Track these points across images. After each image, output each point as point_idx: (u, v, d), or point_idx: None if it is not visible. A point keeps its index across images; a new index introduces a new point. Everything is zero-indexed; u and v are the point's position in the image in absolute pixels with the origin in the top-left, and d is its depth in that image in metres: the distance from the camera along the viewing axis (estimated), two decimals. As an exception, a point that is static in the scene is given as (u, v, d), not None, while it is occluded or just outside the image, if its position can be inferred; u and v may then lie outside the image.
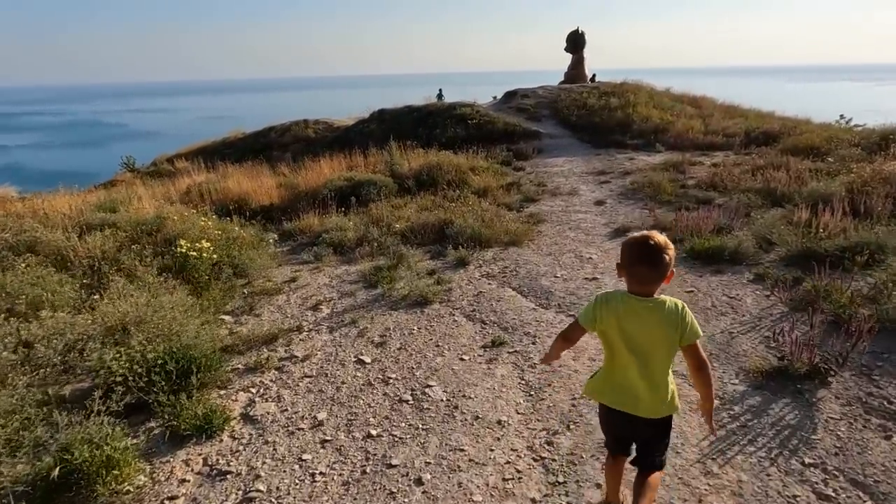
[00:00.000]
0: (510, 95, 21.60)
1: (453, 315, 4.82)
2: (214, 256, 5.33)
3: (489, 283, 5.58)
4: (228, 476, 2.85)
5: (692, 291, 5.04)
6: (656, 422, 1.94)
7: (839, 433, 2.96)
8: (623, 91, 20.40)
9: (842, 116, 17.85)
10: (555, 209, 9.58)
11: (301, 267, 6.41)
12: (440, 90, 22.29)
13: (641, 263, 1.86)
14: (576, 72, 23.57)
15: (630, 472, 2.19)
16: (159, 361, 3.30)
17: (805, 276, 4.84)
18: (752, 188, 8.50)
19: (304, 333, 4.54)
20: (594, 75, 25.00)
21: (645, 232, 1.92)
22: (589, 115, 18.38)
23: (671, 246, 1.90)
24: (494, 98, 23.44)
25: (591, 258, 6.26)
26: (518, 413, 3.28)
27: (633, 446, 2.12)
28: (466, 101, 20.38)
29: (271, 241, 7.20)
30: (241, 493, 2.72)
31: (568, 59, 24.31)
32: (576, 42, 23.47)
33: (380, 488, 2.70)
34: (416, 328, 4.58)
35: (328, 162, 15.27)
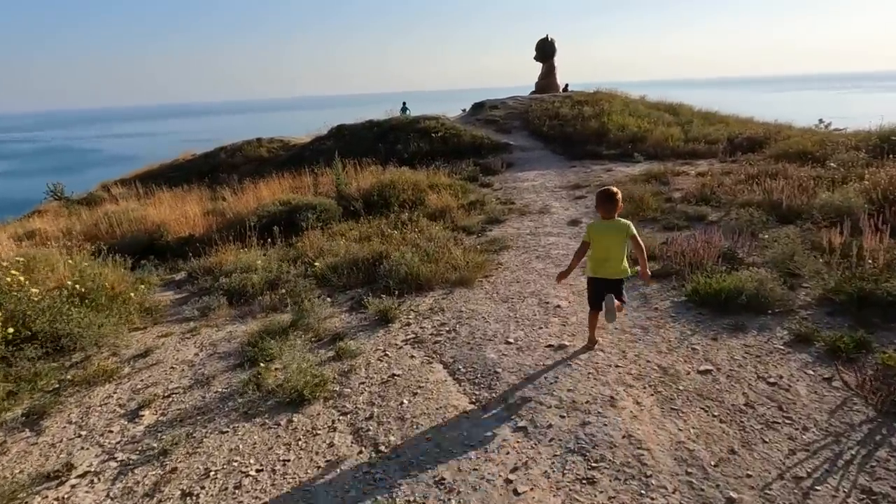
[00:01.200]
0: (478, 107, 20.36)
1: (334, 430, 3.13)
2: (10, 331, 3.66)
3: (412, 356, 3.97)
4: None
5: (708, 372, 3.43)
6: (618, 280, 3.66)
7: None
8: (597, 100, 19.32)
9: (820, 121, 17.02)
10: (522, 231, 8.11)
11: (176, 327, 4.78)
12: (404, 103, 20.94)
13: (603, 204, 3.64)
14: (547, 81, 22.51)
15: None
16: None
17: (868, 335, 3.37)
18: (752, 201, 7.15)
19: (64, 489, 2.81)
20: (566, 85, 24.00)
21: (605, 186, 3.72)
22: (562, 125, 17.17)
23: (619, 193, 3.60)
24: (464, 111, 22.20)
25: (559, 306, 4.72)
26: None
27: (604, 302, 3.56)
28: (432, 114, 19.05)
29: (151, 287, 5.53)
30: None
31: (538, 68, 23.31)
32: (545, 50, 22.46)
33: None
34: (255, 468, 2.82)
35: (273, 183, 13.68)
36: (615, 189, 3.58)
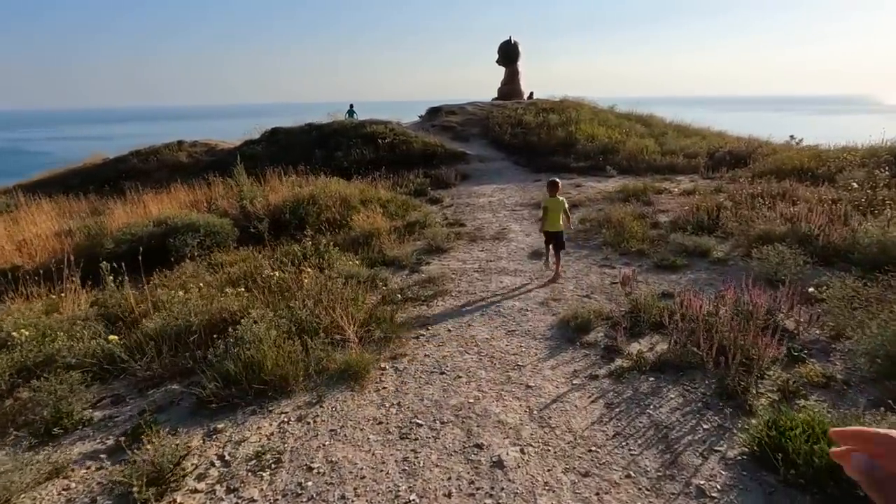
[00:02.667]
0: (434, 112, 18.32)
1: None
2: None
3: None
4: None
5: None
6: (559, 233, 5.43)
7: None
8: (564, 107, 17.64)
9: (792, 137, 15.93)
10: (468, 267, 6.03)
11: None
12: (351, 106, 18.68)
13: (551, 188, 5.66)
14: (510, 87, 20.75)
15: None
16: None
17: None
18: (773, 232, 5.28)
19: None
20: (531, 93, 22.37)
21: (552, 177, 6.13)
22: (525, 133, 15.34)
23: (560, 182, 5.90)
24: (420, 117, 20.16)
25: (500, 462, 2.48)
26: None
27: (551, 246, 5.54)
28: (381, 118, 16.89)
29: None
30: None
31: (501, 72, 21.55)
32: (508, 53, 20.75)
33: None
34: None
35: (179, 193, 11.21)
36: (557, 179, 5.99)
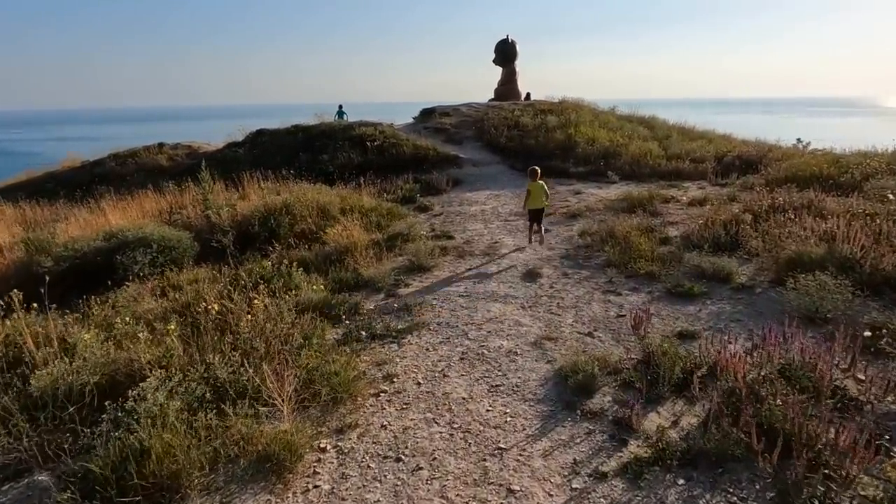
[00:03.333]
0: (427, 114, 17.51)
1: None
2: None
3: None
4: None
5: None
6: (541, 209, 6.76)
7: None
8: (563, 109, 16.86)
9: (799, 140, 15.17)
10: (452, 291, 5.25)
11: None
12: (340, 106, 17.82)
13: (531, 176, 6.79)
14: (507, 87, 19.95)
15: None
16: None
17: None
18: (807, 254, 4.50)
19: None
20: (528, 94, 21.61)
21: (533, 166, 7.07)
22: (522, 136, 14.56)
23: (539, 170, 6.91)
24: (414, 119, 19.36)
25: None
26: None
27: (534, 224, 6.80)
28: (372, 120, 16.09)
29: None
30: None
31: (498, 73, 20.76)
32: (505, 52, 19.96)
33: None
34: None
35: (147, 200, 10.42)
36: (537, 168, 6.95)
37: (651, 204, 8.26)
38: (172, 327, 3.54)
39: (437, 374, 3.39)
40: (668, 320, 4.08)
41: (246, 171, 11.63)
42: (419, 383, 3.27)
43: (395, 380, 3.31)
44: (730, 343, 2.99)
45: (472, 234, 7.70)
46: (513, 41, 20.39)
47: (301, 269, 5.45)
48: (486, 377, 3.32)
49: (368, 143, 13.76)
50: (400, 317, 4.55)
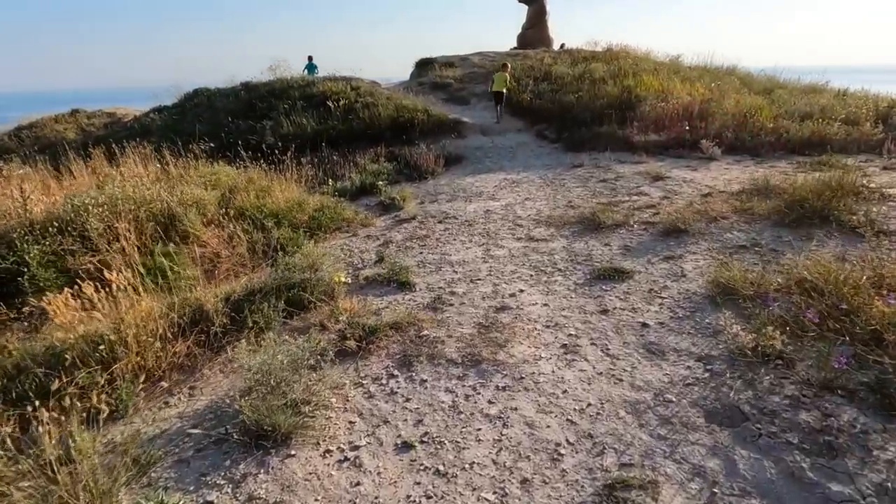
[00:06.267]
0: (423, 66, 13.01)
1: None
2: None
3: None
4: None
5: None
6: (502, 93, 9.69)
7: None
8: (611, 57, 12.18)
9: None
10: None
11: None
12: (310, 58, 13.23)
13: (500, 70, 9.93)
14: (535, 31, 15.14)
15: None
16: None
17: None
18: None
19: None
20: (563, 44, 16.89)
21: (504, 61, 11.22)
22: (556, 91, 10.08)
23: (510, 66, 10.61)
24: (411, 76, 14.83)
25: None
26: None
27: (497, 105, 9.97)
28: (346, 73, 11.73)
29: None
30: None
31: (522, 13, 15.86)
32: (533, -16, 15.21)
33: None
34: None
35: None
36: (508, 64, 10.13)
37: (841, 200, 3.86)
38: None
39: None
40: None
41: (152, 142, 7.72)
42: None
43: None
44: None
45: (453, 277, 3.53)
46: (542, -30, 15.57)
47: None
48: None
49: (331, 104, 9.50)
50: None
